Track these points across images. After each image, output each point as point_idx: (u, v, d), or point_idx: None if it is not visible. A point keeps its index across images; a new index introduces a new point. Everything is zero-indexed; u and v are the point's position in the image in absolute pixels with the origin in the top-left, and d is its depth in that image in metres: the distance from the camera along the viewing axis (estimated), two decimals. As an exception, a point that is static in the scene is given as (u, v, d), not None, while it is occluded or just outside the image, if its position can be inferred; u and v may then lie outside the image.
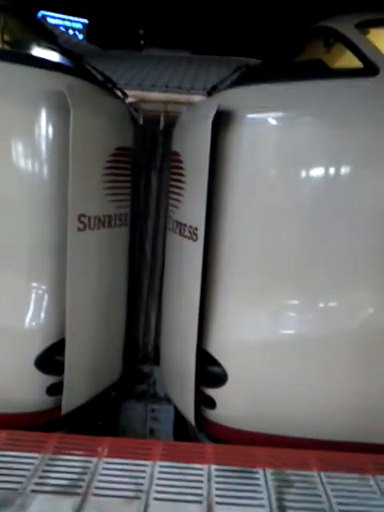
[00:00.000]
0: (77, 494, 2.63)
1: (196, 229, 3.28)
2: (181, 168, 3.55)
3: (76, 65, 3.99)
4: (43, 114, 3.26)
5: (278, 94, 3.24)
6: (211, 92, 4.09)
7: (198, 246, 3.23)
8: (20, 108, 3.22)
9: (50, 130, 3.29)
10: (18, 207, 3.27)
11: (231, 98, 3.40)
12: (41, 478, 2.71)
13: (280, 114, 3.18)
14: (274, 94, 3.25)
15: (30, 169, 3.31)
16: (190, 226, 3.36)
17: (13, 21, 4.23)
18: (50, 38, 4.35)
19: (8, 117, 3.22)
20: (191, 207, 3.40)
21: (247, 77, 3.83)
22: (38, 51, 3.93)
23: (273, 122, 3.18)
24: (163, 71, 11.17)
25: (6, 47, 4.09)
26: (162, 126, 4.36)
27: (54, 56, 3.89)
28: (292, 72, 3.45)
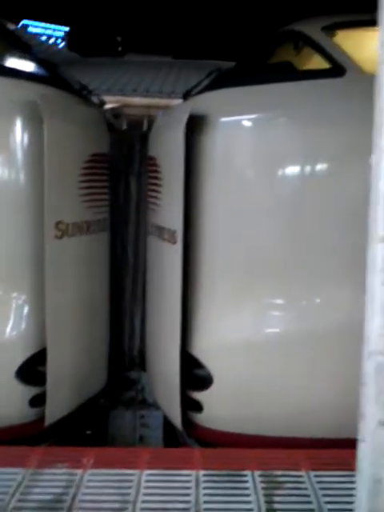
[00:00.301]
0: (61, 509, 2.58)
1: (175, 232, 3.28)
2: (157, 172, 3.56)
3: (51, 74, 3.98)
4: (17, 124, 3.27)
5: (249, 96, 3.30)
6: (186, 96, 4.10)
7: (178, 249, 3.23)
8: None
9: (25, 139, 3.30)
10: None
11: (204, 101, 3.44)
12: (23, 494, 2.64)
13: (253, 116, 3.24)
14: (246, 96, 3.31)
15: (5, 178, 3.30)
16: (169, 230, 3.36)
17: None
18: (25, 47, 4.34)
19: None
20: (169, 211, 3.40)
21: (219, 80, 3.86)
22: (11, 61, 3.92)
23: (246, 124, 3.25)
24: (144, 76, 11.20)
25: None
26: (144, 131, 4.36)
27: (28, 66, 3.88)
28: (262, 75, 3.51)
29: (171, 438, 4.19)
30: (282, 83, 3.26)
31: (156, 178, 3.56)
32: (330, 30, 3.49)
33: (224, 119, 3.24)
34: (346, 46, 3.38)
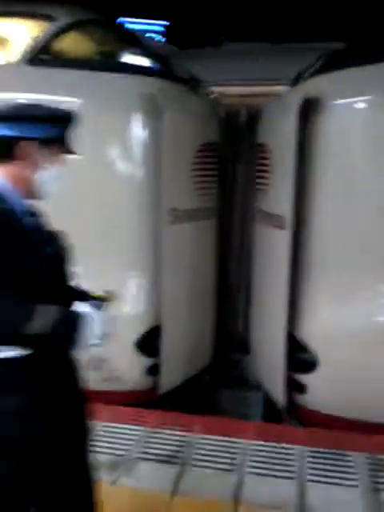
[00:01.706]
0: (176, 463, 2.86)
1: (284, 218, 3.36)
2: (267, 158, 3.65)
3: (165, 67, 4.23)
4: (137, 116, 3.51)
5: (364, 77, 3.21)
6: (295, 82, 4.11)
7: (286, 235, 3.31)
8: (117, 113, 3.50)
9: (144, 130, 3.53)
10: (117, 203, 3.56)
11: (316, 85, 3.42)
12: (144, 447, 2.99)
13: (368, 98, 3.14)
14: (361, 78, 3.22)
15: (125, 167, 3.59)
16: (278, 216, 3.45)
17: (104, 31, 4.58)
18: (139, 44, 4.65)
19: (106, 121, 3.51)
20: (279, 197, 3.48)
21: (331, 63, 3.80)
22: (130, 58, 4.23)
23: (361, 106, 3.16)
24: (243, 64, 11.17)
25: (100, 57, 4.44)
26: (244, 119, 4.45)
27: (145, 61, 4.17)
28: (377, 55, 3.39)
29: (271, 418, 4.32)
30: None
31: (266, 164, 3.66)
32: None
33: (338, 102, 3.19)
34: None
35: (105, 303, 1.62)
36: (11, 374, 1.48)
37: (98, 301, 1.62)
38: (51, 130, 1.57)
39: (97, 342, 1.52)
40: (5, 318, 1.39)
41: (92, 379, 1.93)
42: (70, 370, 1.68)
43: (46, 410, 1.54)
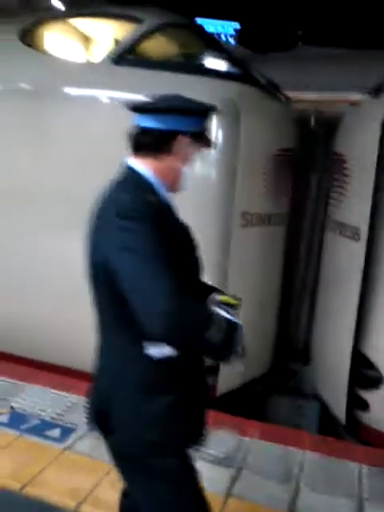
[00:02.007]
0: (232, 466, 2.87)
1: (358, 229, 3.29)
2: (345, 168, 3.58)
3: (244, 71, 4.25)
4: (216, 120, 3.56)
5: None
6: (377, 91, 4.00)
7: (361, 247, 3.24)
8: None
9: (221, 134, 3.56)
10: (189, 205, 3.61)
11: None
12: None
13: None
14: None
15: (201, 169, 3.63)
16: (353, 227, 3.38)
17: (187, 34, 4.66)
18: (219, 47, 4.69)
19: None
20: (354, 208, 3.41)
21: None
22: (210, 61, 4.28)
23: None
24: (316, 70, 10.98)
25: (182, 59, 4.52)
26: (315, 126, 4.38)
27: (224, 65, 4.21)
28: None
29: (325, 431, 4.23)
30: None
31: (343, 174, 3.59)
32: None
33: None
34: None
35: (234, 309, 1.50)
36: (165, 373, 1.49)
37: (227, 305, 1.50)
38: (200, 123, 1.56)
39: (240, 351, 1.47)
40: (188, 321, 1.35)
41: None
42: (201, 368, 1.67)
43: (190, 408, 1.56)
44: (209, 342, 1.37)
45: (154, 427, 1.48)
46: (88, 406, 1.64)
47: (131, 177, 1.53)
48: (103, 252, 1.40)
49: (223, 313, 1.44)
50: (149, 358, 1.46)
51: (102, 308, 1.53)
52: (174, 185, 1.59)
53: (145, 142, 1.52)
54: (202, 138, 1.57)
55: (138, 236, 1.34)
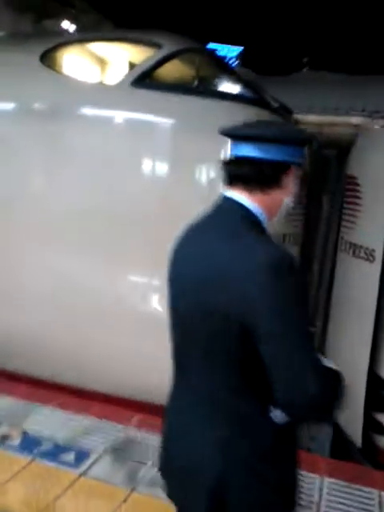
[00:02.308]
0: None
1: (373, 250, 3.31)
2: (358, 191, 3.62)
3: (257, 95, 4.32)
4: (228, 145, 3.60)
5: None
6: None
7: (375, 268, 3.25)
8: (211, 140, 3.60)
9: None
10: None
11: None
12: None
13: None
14: None
15: (215, 192, 3.67)
16: (367, 248, 3.40)
17: (202, 59, 4.76)
18: (232, 72, 4.78)
19: (200, 148, 3.62)
20: (368, 229, 3.44)
21: None
22: (225, 85, 4.36)
23: None
24: (318, 93, 11.18)
25: (198, 83, 4.60)
26: (332, 150, 4.43)
27: (238, 89, 4.28)
28: None
29: (338, 455, 4.17)
30: None
31: (356, 196, 3.63)
32: None
33: None
34: None
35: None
36: (289, 438, 1.37)
37: None
38: (303, 153, 1.39)
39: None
40: (331, 398, 1.25)
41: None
42: None
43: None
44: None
45: (283, 495, 1.39)
46: (167, 469, 1.48)
47: (240, 214, 1.34)
48: (235, 302, 1.21)
49: (333, 365, 1.33)
50: (272, 423, 1.29)
51: (209, 357, 1.32)
52: (272, 218, 1.42)
53: (248, 174, 1.35)
54: (301, 169, 1.41)
55: (290, 296, 1.20)
